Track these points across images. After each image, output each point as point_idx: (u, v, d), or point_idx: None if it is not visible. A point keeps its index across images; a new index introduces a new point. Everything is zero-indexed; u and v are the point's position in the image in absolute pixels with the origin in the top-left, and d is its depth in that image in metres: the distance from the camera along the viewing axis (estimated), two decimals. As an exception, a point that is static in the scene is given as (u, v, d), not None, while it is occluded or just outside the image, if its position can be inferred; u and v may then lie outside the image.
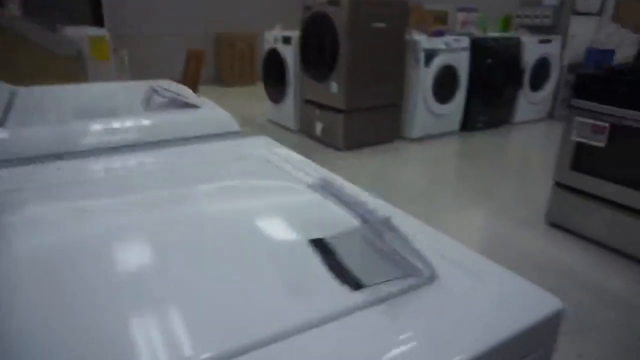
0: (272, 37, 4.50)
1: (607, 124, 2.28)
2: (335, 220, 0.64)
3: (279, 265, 0.57)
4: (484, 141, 4.38)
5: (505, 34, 4.85)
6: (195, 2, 6.76)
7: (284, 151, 1.00)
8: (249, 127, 4.79)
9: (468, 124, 4.54)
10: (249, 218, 0.70)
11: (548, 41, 4.75)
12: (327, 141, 4.10)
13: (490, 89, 4.52)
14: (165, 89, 1.21)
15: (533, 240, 2.50)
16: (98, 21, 4.38)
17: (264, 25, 4.84)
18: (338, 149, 3.98)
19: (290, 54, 4.27)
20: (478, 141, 4.38)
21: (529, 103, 4.88)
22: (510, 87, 4.67)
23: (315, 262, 0.55)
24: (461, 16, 4.82)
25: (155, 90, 1.19)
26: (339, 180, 0.77)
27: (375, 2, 3.81)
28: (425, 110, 4.18)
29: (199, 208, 0.74)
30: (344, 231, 0.57)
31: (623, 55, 4.17)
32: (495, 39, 4.56)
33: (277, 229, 0.69)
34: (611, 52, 4.39)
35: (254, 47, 6.76)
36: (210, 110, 1.25)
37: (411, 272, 0.53)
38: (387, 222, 0.51)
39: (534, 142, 4.49)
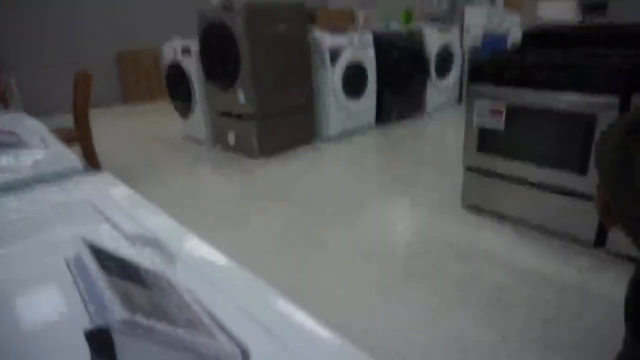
0: (171, 50, 4.26)
1: (503, 104, 2.34)
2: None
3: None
4: (400, 132, 4.44)
5: (407, 27, 4.97)
6: (89, 23, 6.32)
7: (122, 192, 0.88)
8: (162, 146, 4.50)
9: (382, 117, 4.59)
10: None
11: (447, 30, 4.93)
12: (241, 150, 3.94)
13: (399, 80, 4.60)
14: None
15: (452, 225, 2.52)
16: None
17: (166, 38, 4.58)
18: (254, 157, 3.83)
19: (192, 66, 4.06)
20: (394, 133, 4.43)
21: (438, 91, 5.03)
22: (417, 77, 4.78)
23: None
24: (362, 13, 4.88)
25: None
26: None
27: (271, 5, 3.70)
28: (338, 108, 4.15)
29: None
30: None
31: (514, 39, 4.40)
32: (398, 33, 4.65)
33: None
34: (504, 37, 4.63)
35: (158, 62, 6.43)
36: (45, 150, 1.08)
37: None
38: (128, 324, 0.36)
39: (446, 128, 4.62)
